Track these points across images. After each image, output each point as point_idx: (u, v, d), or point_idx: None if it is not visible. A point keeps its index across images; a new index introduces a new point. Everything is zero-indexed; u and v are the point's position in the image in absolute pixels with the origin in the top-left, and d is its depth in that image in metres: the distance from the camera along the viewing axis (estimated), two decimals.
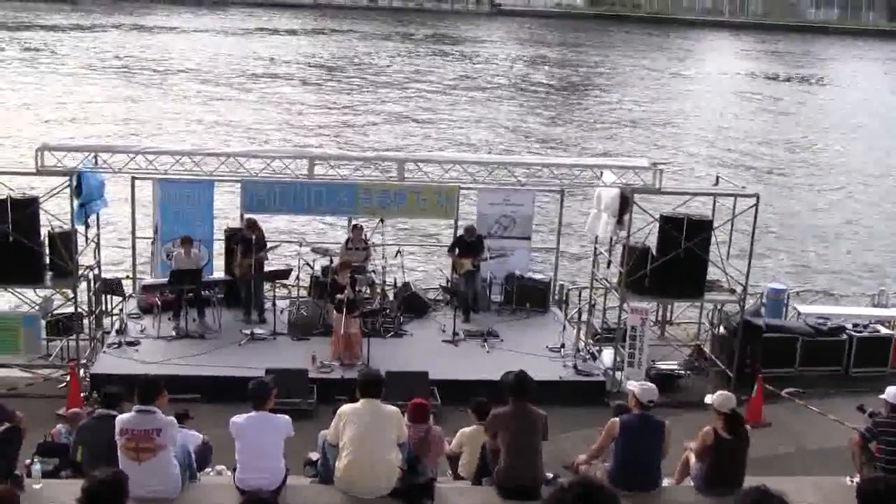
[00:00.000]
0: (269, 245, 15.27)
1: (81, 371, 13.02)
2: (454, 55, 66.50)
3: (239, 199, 15.87)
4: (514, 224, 16.46)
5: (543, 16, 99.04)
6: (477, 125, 40.80)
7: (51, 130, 31.78)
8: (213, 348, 14.00)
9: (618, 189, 14.10)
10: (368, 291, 15.24)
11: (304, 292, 15.98)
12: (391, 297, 15.75)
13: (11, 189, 13.16)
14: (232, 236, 15.40)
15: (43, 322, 13.90)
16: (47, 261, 13.44)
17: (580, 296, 16.56)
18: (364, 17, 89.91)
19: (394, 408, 7.80)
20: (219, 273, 15.67)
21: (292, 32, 76.27)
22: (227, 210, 18.42)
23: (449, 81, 53.51)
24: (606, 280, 15.21)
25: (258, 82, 49.55)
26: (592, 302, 15.62)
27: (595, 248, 15.59)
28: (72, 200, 13.25)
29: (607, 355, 14.43)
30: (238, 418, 7.53)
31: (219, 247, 15.90)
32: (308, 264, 15.80)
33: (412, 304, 15.75)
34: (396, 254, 16.28)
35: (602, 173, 14.54)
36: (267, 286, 15.59)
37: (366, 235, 15.74)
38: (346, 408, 7.69)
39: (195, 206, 15.64)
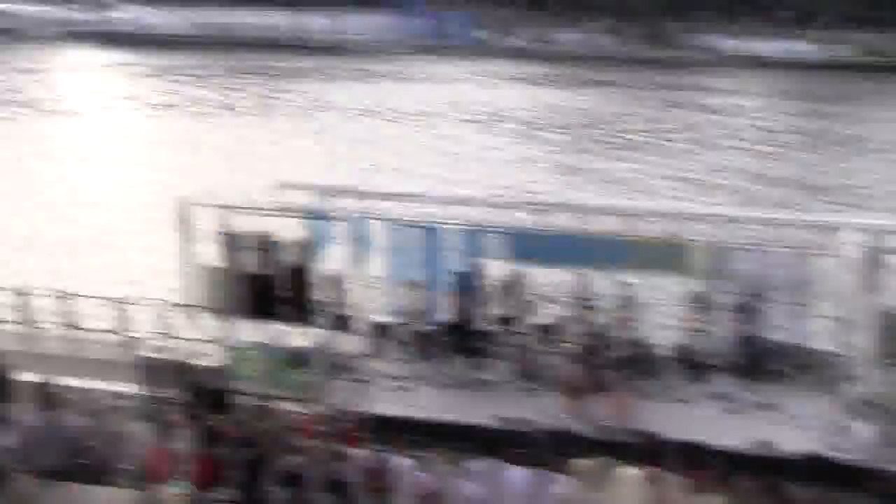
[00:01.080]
0: None
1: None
2: (710, 108, 64.14)
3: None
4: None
5: (807, 67, 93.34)
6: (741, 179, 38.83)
7: (292, 171, 33.40)
8: None
9: None
10: None
11: None
12: None
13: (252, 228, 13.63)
14: None
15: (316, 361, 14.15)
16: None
17: None
18: (618, 68, 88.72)
19: None
20: None
21: (552, 82, 76.56)
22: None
23: (709, 135, 51.64)
24: None
25: (513, 132, 50.00)
26: None
27: None
28: (312, 241, 13.51)
29: None
30: None
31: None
32: None
33: None
34: None
35: None
36: None
37: None
38: None
39: (425, 251, 15.38)
